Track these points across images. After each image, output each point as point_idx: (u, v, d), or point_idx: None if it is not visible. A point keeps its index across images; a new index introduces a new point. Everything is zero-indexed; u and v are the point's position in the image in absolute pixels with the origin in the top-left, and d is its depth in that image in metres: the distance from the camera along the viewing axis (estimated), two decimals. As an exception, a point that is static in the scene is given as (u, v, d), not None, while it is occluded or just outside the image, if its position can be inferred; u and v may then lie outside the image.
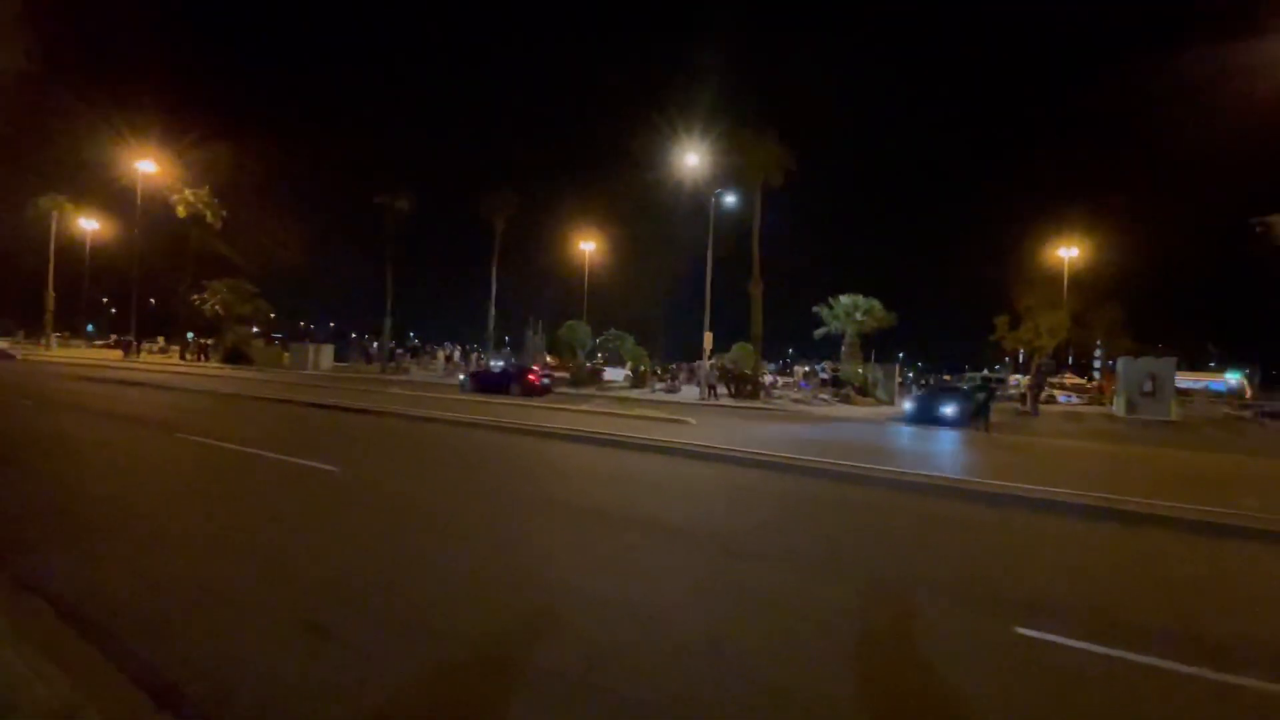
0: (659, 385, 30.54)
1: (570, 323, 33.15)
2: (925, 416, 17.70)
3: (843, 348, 29.46)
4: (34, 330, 48.57)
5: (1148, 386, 24.35)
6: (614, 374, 33.10)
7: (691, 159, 28.34)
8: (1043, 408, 27.19)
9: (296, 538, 5.12)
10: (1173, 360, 25.95)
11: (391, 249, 42.78)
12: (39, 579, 3.82)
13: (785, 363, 65.38)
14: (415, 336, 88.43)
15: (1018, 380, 41.20)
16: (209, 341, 43.58)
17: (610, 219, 43.73)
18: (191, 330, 46.23)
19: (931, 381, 26.61)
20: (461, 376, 26.33)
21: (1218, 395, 35.87)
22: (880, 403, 25.84)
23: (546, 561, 4.86)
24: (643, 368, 32.49)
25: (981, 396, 15.85)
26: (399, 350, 50.26)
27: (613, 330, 33.90)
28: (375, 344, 50.13)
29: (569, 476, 8.63)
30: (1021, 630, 3.76)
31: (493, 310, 41.59)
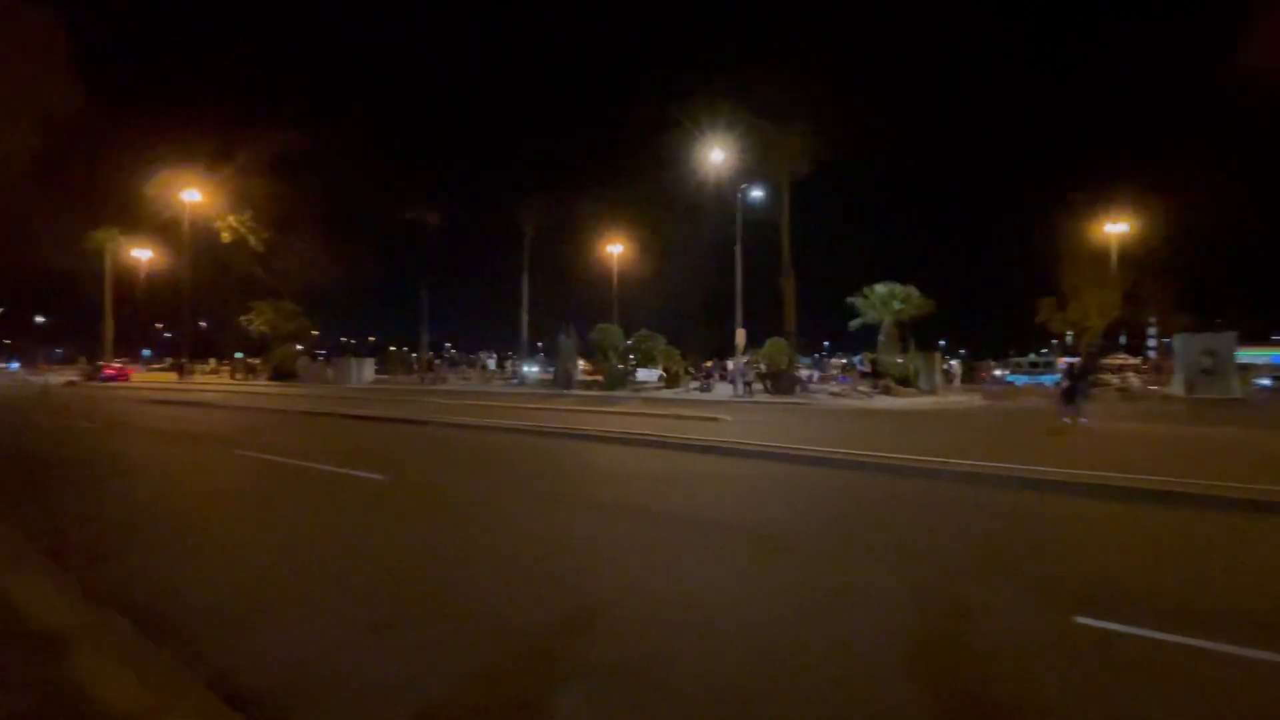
0: (692, 385, 30.47)
1: (602, 325, 33.28)
2: None
3: (880, 338, 28.86)
4: (94, 357, 51.21)
5: (1207, 363, 23.19)
6: (647, 375, 33.12)
7: (717, 155, 28.23)
8: (1095, 391, 26.13)
9: (352, 544, 5.29)
10: (1233, 334, 24.62)
11: (425, 263, 43.88)
12: (112, 589, 4.04)
13: (822, 356, 64.34)
14: (451, 347, 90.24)
15: (1064, 363, 39.70)
16: (257, 360, 45.29)
17: (638, 220, 43.81)
18: (240, 350, 48.16)
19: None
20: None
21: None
22: (922, 392, 25.24)
23: (592, 558, 4.92)
24: (676, 368, 32.42)
25: (1067, 384, 14.72)
26: (437, 361, 51.38)
27: (644, 330, 33.91)
28: (414, 356, 51.35)
29: (607, 477, 8.68)
30: (1081, 620, 3.64)
31: (525, 317, 42.13)
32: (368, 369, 42.51)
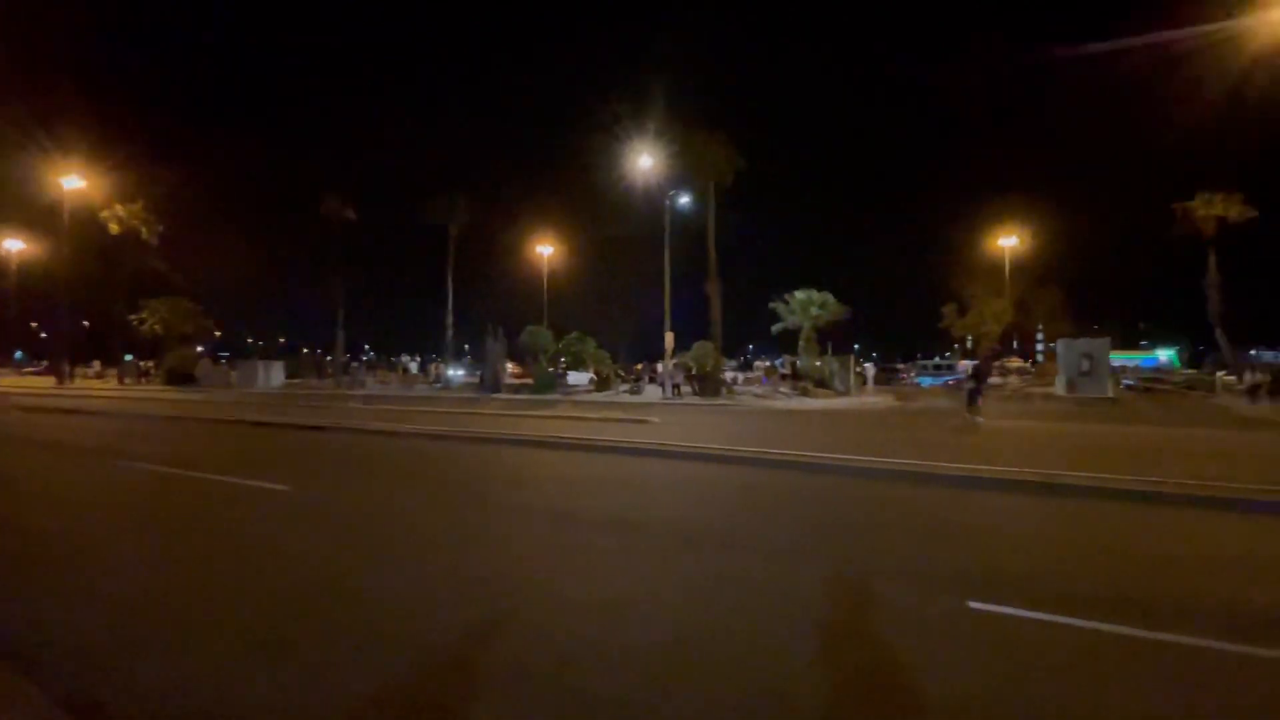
0: (622, 387, 30.56)
1: (531, 328, 32.86)
2: None
3: (800, 342, 30.02)
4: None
5: (1085, 366, 25.57)
6: (578, 378, 32.96)
7: (645, 161, 28.49)
8: (989, 391, 28.19)
9: (248, 560, 4.96)
10: (1107, 340, 27.28)
11: (341, 260, 41.76)
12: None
13: (746, 359, 66.16)
14: (370, 349, 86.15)
15: (965, 366, 42.70)
16: (149, 363, 41.61)
17: (567, 223, 43.67)
18: (130, 352, 44.07)
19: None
20: None
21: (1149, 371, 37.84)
22: (838, 394, 26.43)
23: (509, 564, 4.84)
24: (607, 370, 32.45)
25: (971, 385, 15.28)
26: (354, 364, 49.05)
27: (574, 334, 33.72)
28: (329, 358, 48.76)
29: (531, 481, 8.57)
30: (973, 604, 3.93)
31: (450, 319, 40.94)
32: (276, 372, 39.94)
